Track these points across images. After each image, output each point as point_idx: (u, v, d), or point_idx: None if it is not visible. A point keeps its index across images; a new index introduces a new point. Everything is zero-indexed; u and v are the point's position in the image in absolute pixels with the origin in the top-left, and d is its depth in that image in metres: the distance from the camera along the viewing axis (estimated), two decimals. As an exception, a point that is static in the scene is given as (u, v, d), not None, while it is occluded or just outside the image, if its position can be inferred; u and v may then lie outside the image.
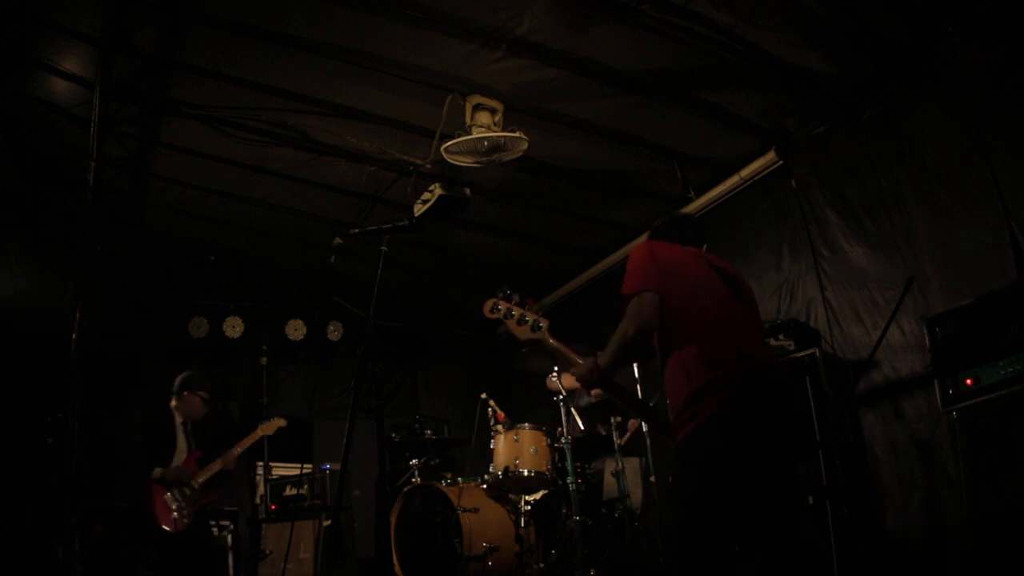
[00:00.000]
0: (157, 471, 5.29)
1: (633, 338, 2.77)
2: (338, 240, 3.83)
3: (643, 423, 5.11)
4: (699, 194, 5.90)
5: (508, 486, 5.22)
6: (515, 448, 5.15)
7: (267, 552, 5.88)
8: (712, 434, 2.59)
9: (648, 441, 5.08)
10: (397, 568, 5.24)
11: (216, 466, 5.45)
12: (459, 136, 4.83)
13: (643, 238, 3.46)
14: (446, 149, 4.92)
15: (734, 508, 2.54)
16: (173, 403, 5.59)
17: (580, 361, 2.90)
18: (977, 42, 4.23)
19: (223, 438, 5.69)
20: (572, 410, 5.28)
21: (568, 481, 4.83)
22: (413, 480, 5.66)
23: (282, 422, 5.83)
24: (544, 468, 5.11)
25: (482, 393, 5.70)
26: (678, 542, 2.62)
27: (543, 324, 3.01)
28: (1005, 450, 3.34)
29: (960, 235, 4.32)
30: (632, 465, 5.30)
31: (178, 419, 5.58)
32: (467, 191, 5.75)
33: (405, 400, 8.43)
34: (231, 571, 5.90)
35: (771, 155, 5.41)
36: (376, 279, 3.34)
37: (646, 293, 2.77)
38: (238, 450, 5.55)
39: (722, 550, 2.52)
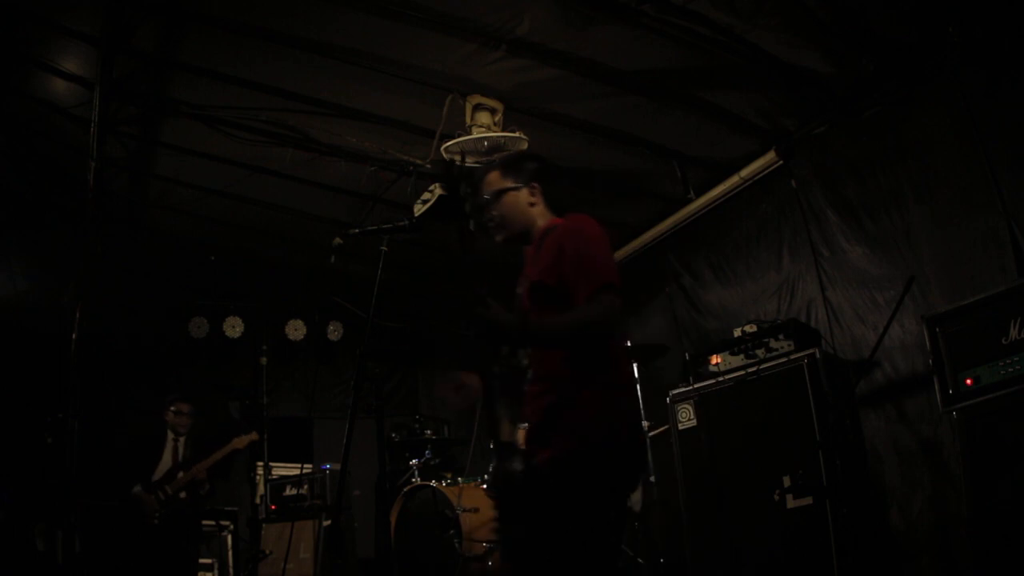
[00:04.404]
0: (136, 488, 5.60)
1: (589, 334, 2.35)
2: (338, 240, 3.82)
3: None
4: (699, 194, 5.89)
5: (508, 486, 5.21)
6: (515, 448, 5.13)
7: (267, 552, 5.88)
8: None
9: (648, 442, 5.07)
10: (397, 568, 5.23)
11: (187, 477, 5.66)
12: (459, 136, 4.82)
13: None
14: (446, 149, 4.92)
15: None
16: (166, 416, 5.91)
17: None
18: (977, 42, 4.23)
19: (221, 440, 5.83)
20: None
21: (568, 481, 4.81)
22: (413, 480, 5.65)
23: (255, 436, 5.96)
24: (544, 468, 5.09)
25: (482, 393, 5.68)
26: None
27: None
28: (1005, 450, 3.33)
29: (960, 235, 4.31)
30: (632, 465, 5.28)
31: (170, 434, 5.86)
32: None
33: (405, 400, 8.42)
34: (231, 571, 5.92)
35: (771, 155, 5.39)
36: (376, 279, 3.33)
37: (616, 295, 2.31)
38: (206, 464, 5.72)
39: None
